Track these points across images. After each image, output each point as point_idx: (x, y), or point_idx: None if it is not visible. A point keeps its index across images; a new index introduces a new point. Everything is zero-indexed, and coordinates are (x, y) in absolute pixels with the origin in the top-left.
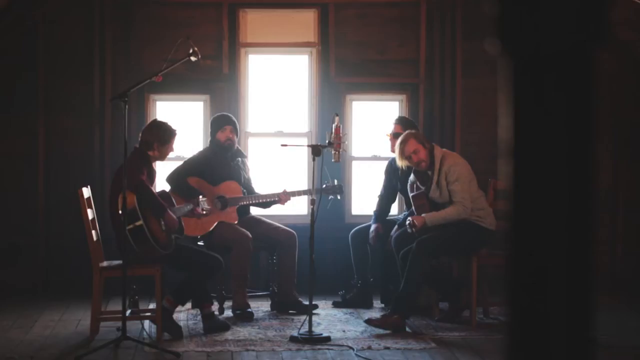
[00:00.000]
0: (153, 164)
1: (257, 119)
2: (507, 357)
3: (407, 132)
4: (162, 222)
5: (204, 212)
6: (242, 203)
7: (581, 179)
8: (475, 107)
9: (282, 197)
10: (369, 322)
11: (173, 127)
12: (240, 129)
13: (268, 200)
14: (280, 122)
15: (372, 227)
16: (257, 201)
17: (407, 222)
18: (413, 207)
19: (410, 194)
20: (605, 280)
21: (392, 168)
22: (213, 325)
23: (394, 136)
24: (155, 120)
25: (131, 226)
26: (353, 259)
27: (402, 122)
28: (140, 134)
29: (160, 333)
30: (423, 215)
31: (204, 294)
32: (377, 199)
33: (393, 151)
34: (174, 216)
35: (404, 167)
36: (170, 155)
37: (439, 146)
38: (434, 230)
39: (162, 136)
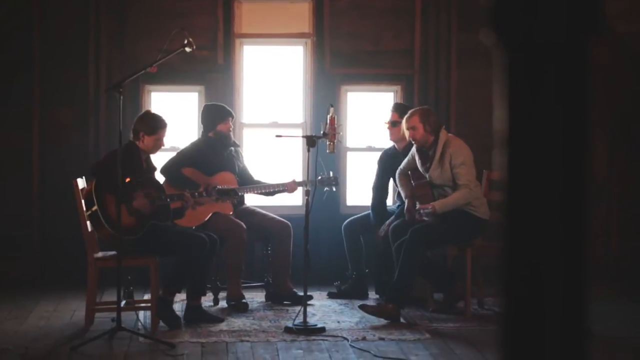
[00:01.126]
0: (143, 155)
1: (252, 110)
2: (502, 348)
3: (421, 107)
4: (129, 206)
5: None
6: (244, 193)
7: (576, 171)
8: (470, 98)
9: (290, 186)
10: (363, 308)
11: (164, 119)
12: (236, 119)
13: (274, 190)
14: (275, 113)
15: (378, 231)
16: (262, 190)
17: (417, 212)
18: (415, 196)
19: (413, 183)
20: (600, 271)
21: (387, 157)
22: (196, 318)
23: (392, 124)
24: (147, 111)
25: (89, 212)
26: (347, 250)
27: (398, 109)
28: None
29: (155, 324)
30: (433, 203)
31: (201, 281)
32: (371, 192)
33: (392, 139)
34: (143, 197)
35: (407, 138)
36: (165, 146)
37: (446, 130)
38: (443, 218)
39: (149, 126)
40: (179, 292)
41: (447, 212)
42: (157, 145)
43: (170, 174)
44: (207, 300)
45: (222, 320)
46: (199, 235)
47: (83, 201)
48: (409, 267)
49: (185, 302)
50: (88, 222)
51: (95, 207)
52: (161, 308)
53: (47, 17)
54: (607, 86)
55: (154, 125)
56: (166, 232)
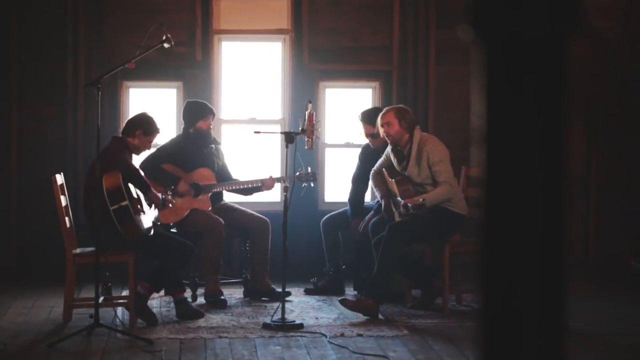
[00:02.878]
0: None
1: (231, 106)
2: (480, 344)
3: (396, 105)
4: (143, 204)
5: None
6: (220, 189)
7: (554, 167)
8: (448, 94)
9: (267, 183)
10: (343, 302)
11: (158, 125)
12: (215, 116)
13: (250, 186)
14: (254, 109)
15: (353, 224)
16: (238, 187)
17: (402, 206)
18: (397, 193)
19: (391, 180)
20: (577, 267)
21: (366, 152)
22: (186, 312)
23: (372, 137)
24: (145, 112)
25: (116, 206)
26: (325, 247)
27: (363, 118)
28: (124, 123)
29: (133, 320)
30: (421, 196)
31: (177, 280)
32: (350, 186)
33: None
34: (158, 195)
35: (381, 135)
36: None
37: (420, 129)
38: (429, 212)
39: (147, 127)
40: (157, 292)
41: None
42: (147, 147)
43: (149, 170)
44: (185, 296)
45: (202, 315)
46: (188, 243)
47: (106, 195)
48: (387, 263)
49: (172, 300)
50: (114, 218)
51: (125, 202)
52: (136, 303)
53: (24, 11)
54: (585, 82)
55: (153, 128)
56: (162, 235)
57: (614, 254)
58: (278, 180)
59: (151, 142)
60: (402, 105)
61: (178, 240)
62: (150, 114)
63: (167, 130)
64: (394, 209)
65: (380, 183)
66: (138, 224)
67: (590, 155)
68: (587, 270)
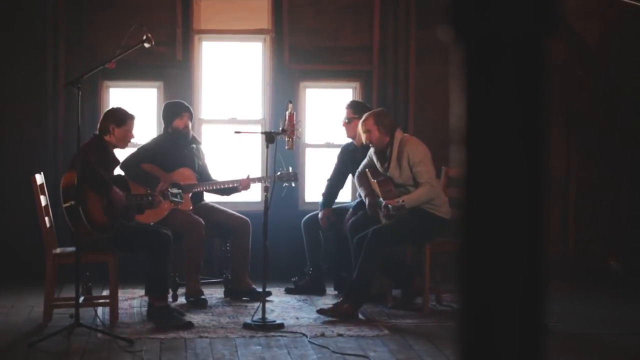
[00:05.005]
0: (112, 150)
1: (211, 106)
2: (459, 344)
3: (376, 110)
4: (105, 202)
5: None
6: (200, 189)
7: (534, 167)
8: (428, 94)
9: (244, 183)
10: (321, 312)
11: (130, 112)
12: (194, 115)
13: (228, 186)
14: (234, 109)
15: (321, 213)
16: (216, 187)
17: (383, 207)
18: (379, 194)
19: (374, 180)
20: (557, 267)
21: (347, 151)
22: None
23: (347, 121)
24: (112, 107)
25: (67, 204)
26: (306, 246)
27: (353, 106)
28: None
29: (114, 320)
30: (402, 198)
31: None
32: (326, 182)
33: (349, 136)
34: (121, 193)
35: (364, 142)
36: (135, 138)
37: (401, 130)
38: (410, 213)
39: (117, 118)
40: (167, 294)
41: (410, 210)
42: (128, 137)
43: (129, 169)
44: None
45: (191, 326)
46: (164, 232)
47: (61, 193)
48: (368, 266)
49: (148, 301)
50: (65, 215)
51: (74, 202)
52: (164, 316)
53: (3, 9)
54: (563, 83)
55: (123, 117)
56: (133, 229)
57: (593, 254)
58: (255, 180)
59: (129, 130)
60: (381, 109)
61: (150, 231)
62: (117, 105)
63: (148, 130)
64: (378, 210)
65: (365, 183)
66: (87, 224)
67: (569, 156)
68: (566, 270)
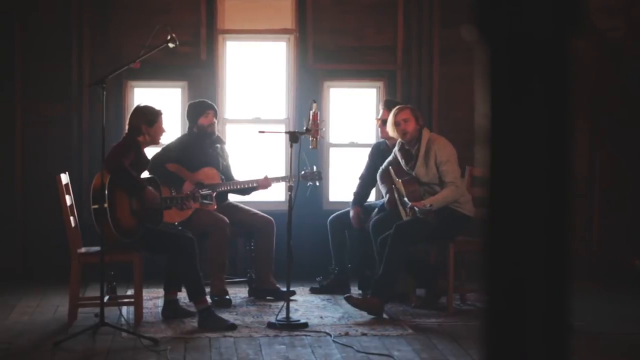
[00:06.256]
0: (144, 149)
1: (235, 106)
2: (484, 343)
3: (408, 105)
4: (135, 205)
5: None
6: (220, 189)
7: (558, 166)
8: (452, 94)
9: (262, 183)
10: (348, 299)
11: (156, 107)
12: (219, 115)
13: (246, 186)
14: (258, 109)
15: (352, 212)
16: (235, 187)
17: (409, 209)
18: (404, 193)
19: (399, 180)
20: (581, 266)
21: (378, 150)
22: (172, 314)
23: (383, 122)
24: (137, 105)
25: (96, 206)
26: (331, 245)
27: (388, 106)
28: (127, 123)
29: (138, 319)
30: (428, 201)
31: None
32: (358, 181)
33: (383, 137)
34: (155, 192)
35: (392, 135)
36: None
37: (428, 129)
38: (437, 214)
39: (147, 118)
40: (206, 295)
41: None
42: (161, 132)
43: (154, 170)
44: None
45: (235, 328)
46: (188, 236)
47: (91, 194)
48: (393, 262)
49: (164, 298)
50: (92, 216)
51: (105, 204)
52: (207, 319)
53: (29, 11)
54: (588, 82)
55: (153, 116)
56: (158, 233)
57: (618, 254)
58: (274, 180)
59: (160, 125)
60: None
61: (176, 235)
62: (142, 104)
63: (172, 129)
64: (401, 208)
65: (387, 180)
66: (113, 229)
67: (594, 156)
68: (591, 270)
